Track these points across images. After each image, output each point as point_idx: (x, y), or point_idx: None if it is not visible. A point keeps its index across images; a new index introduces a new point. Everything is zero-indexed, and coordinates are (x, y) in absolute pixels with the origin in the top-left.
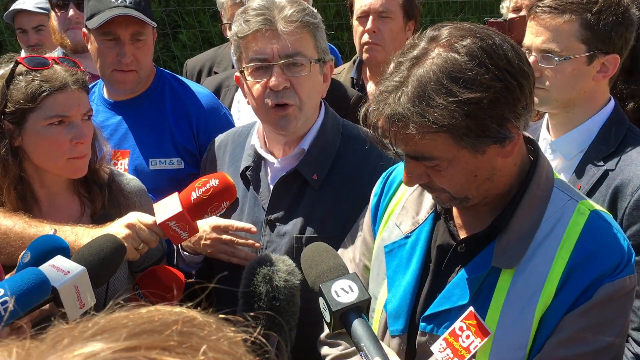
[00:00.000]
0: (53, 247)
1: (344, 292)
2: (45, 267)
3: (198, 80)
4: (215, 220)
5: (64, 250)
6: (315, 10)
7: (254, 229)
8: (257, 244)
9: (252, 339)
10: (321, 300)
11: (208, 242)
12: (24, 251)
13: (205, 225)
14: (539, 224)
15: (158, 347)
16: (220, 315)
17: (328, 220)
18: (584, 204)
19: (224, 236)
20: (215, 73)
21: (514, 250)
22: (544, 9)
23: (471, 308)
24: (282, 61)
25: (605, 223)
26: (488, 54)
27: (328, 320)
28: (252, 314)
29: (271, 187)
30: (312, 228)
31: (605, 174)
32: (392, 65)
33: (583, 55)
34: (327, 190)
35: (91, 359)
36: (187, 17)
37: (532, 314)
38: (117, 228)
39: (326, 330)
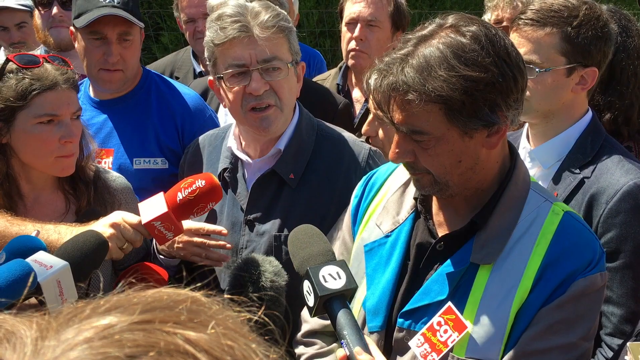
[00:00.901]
0: (29, 248)
1: (331, 278)
2: (29, 262)
3: None
4: (186, 223)
5: (40, 250)
6: (286, 13)
7: (224, 231)
8: (228, 245)
9: (256, 318)
10: (306, 283)
11: (180, 245)
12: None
13: None
14: (515, 222)
15: (171, 321)
16: (226, 296)
17: (306, 217)
18: (558, 205)
19: (196, 239)
20: (177, 78)
21: (492, 246)
22: (526, 21)
23: (449, 303)
24: (260, 66)
25: (578, 223)
26: (491, 41)
27: (311, 305)
28: (255, 295)
29: (249, 187)
30: (291, 226)
31: (582, 182)
32: (399, 43)
33: (563, 67)
34: (304, 188)
35: (109, 330)
36: (169, 20)
37: (509, 309)
38: (102, 227)
39: (303, 330)
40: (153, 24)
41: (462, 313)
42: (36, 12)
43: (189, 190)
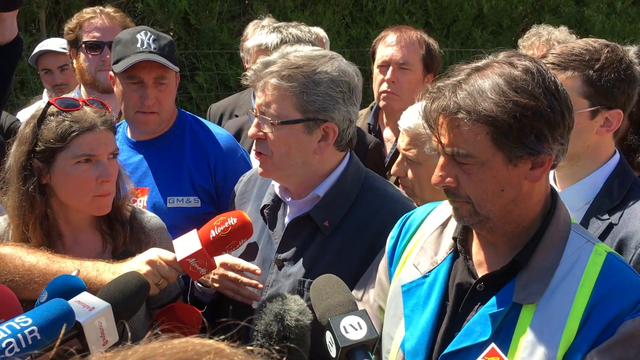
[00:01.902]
0: (69, 287)
1: (352, 329)
2: (71, 303)
3: (220, 124)
4: (224, 257)
5: (80, 290)
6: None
7: (258, 270)
8: (260, 285)
9: None
10: (328, 334)
11: (216, 277)
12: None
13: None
14: (558, 262)
15: None
16: (249, 348)
17: (334, 267)
18: (600, 246)
19: (230, 274)
20: (236, 116)
21: (534, 286)
22: (547, 65)
23: (493, 344)
24: (259, 114)
25: (621, 264)
26: (542, 75)
27: (333, 356)
28: (276, 347)
29: (285, 227)
30: (317, 273)
31: (610, 227)
32: (453, 72)
33: (586, 110)
34: (337, 238)
35: None
36: (204, 60)
37: (556, 351)
38: (138, 264)
39: None
40: (189, 64)
41: (506, 355)
42: (82, 56)
43: (222, 228)
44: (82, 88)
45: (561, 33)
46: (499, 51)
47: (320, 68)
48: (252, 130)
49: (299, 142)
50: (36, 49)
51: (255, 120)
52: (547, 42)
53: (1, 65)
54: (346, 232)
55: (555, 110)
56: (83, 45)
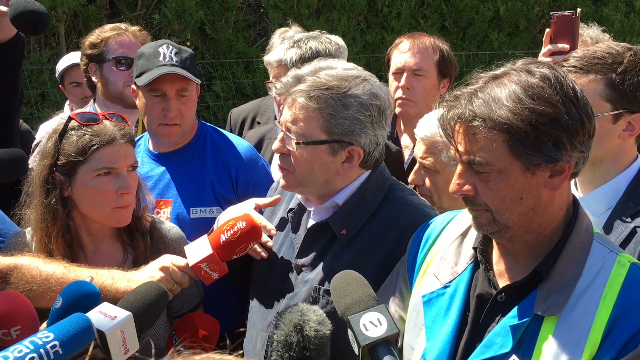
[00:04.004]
0: (84, 293)
1: (372, 326)
2: (93, 313)
3: (242, 129)
4: (253, 212)
5: (94, 295)
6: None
7: (274, 231)
8: (264, 254)
9: None
10: (350, 332)
11: None
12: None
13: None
14: (580, 273)
15: None
16: None
17: None
18: (623, 256)
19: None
20: (259, 123)
21: (556, 297)
22: (569, 68)
23: (514, 356)
24: (283, 129)
25: None
26: (560, 82)
27: (357, 353)
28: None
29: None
30: None
31: (634, 232)
32: (471, 80)
33: (609, 113)
34: (355, 247)
35: None
36: (220, 69)
37: None
38: (152, 271)
39: None
40: (205, 73)
41: None
42: (106, 71)
43: (231, 232)
44: (96, 103)
45: (593, 30)
46: (518, 55)
47: (351, 91)
48: (276, 145)
49: (322, 162)
50: (64, 63)
51: (280, 134)
52: (580, 36)
53: (6, 62)
54: (364, 241)
55: (574, 117)
56: (112, 60)
